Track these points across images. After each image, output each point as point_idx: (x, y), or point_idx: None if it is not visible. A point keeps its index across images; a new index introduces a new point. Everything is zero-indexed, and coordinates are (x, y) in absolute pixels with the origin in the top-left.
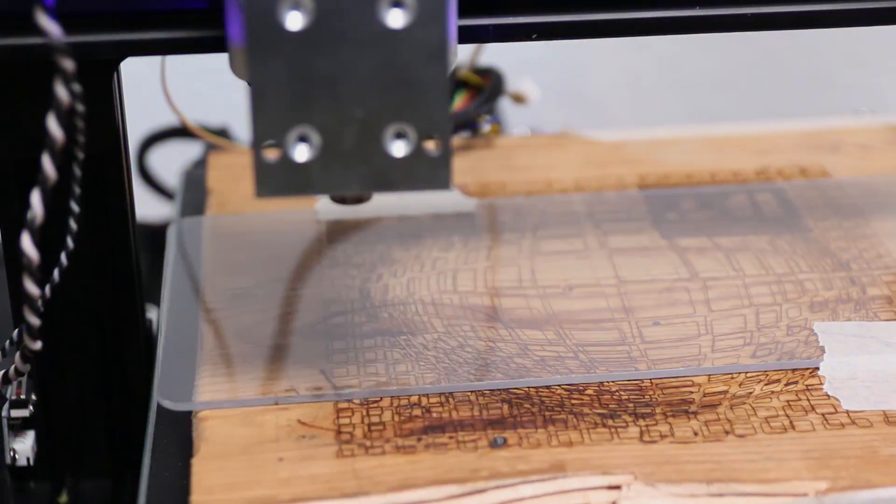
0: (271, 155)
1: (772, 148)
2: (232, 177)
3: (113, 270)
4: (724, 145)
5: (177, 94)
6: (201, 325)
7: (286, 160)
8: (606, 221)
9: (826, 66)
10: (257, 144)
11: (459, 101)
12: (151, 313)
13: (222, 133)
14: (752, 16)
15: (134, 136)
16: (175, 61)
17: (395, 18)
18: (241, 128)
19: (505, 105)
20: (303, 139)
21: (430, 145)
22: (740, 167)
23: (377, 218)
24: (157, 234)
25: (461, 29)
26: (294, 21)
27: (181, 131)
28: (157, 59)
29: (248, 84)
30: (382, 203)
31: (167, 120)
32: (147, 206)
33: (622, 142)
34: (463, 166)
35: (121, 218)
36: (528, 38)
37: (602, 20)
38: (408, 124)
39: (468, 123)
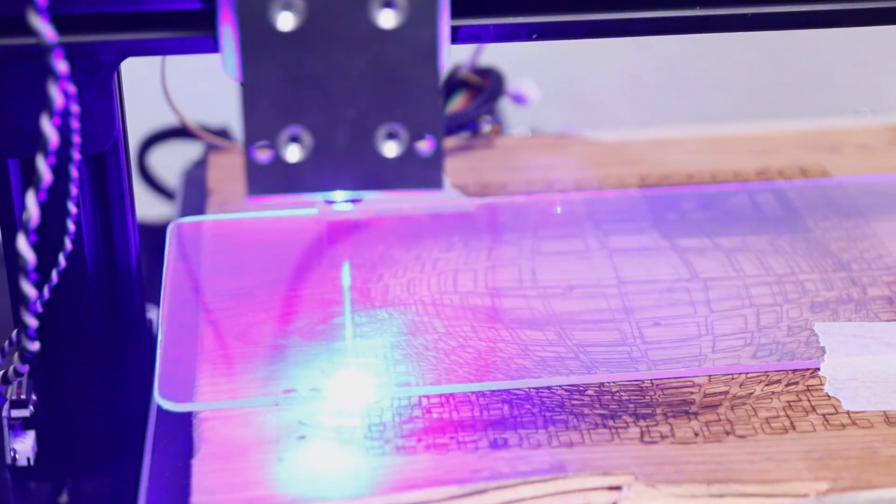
0: (263, 155)
1: (772, 148)
2: (232, 177)
3: (113, 270)
4: (724, 145)
5: (177, 94)
6: (201, 325)
7: (278, 160)
8: (607, 222)
9: (826, 66)
10: (249, 145)
11: (459, 101)
12: (151, 313)
13: (222, 133)
14: (752, 16)
15: (134, 136)
16: (175, 61)
17: (387, 19)
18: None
19: (505, 105)
20: (294, 139)
21: (422, 146)
22: (741, 167)
23: (377, 218)
24: (157, 234)
25: (461, 29)
26: (286, 21)
27: (181, 131)
28: (157, 59)
29: (240, 84)
30: (383, 203)
31: (167, 120)
32: (147, 206)
33: (622, 142)
34: (463, 166)
35: (121, 218)
36: (528, 38)
37: (602, 20)
38: (399, 125)
39: (468, 123)
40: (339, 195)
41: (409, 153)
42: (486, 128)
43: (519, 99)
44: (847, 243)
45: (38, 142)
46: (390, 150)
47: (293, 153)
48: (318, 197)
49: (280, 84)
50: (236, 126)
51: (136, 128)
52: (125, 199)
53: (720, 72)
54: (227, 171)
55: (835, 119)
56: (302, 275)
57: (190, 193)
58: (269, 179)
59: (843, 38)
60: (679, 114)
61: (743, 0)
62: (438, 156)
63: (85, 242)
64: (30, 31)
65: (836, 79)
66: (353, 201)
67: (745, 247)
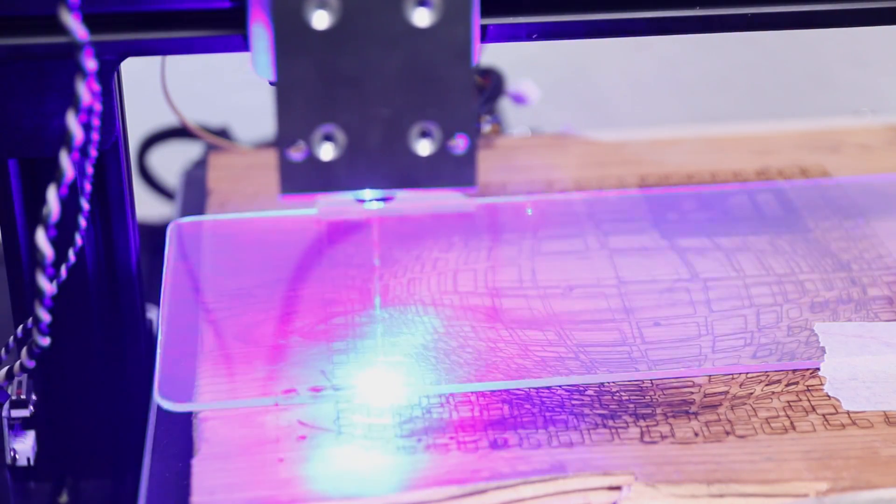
0: (296, 154)
1: (772, 148)
2: (232, 177)
3: (113, 270)
4: (724, 145)
5: (177, 94)
6: (201, 325)
7: (311, 159)
8: (607, 222)
9: (826, 66)
10: (283, 143)
11: None
12: (151, 313)
13: (222, 133)
14: (752, 16)
15: (134, 136)
16: (175, 61)
17: (421, 17)
18: (241, 128)
19: (505, 105)
20: (328, 138)
21: (456, 144)
22: (741, 167)
23: (377, 218)
24: (157, 234)
25: None
26: (320, 20)
27: (181, 131)
28: (157, 59)
29: (273, 84)
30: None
31: (167, 120)
32: (147, 206)
33: (622, 142)
34: None
35: (121, 218)
36: (528, 38)
37: (602, 20)
38: (433, 123)
39: None
40: (371, 193)
41: (442, 151)
42: (486, 128)
43: (519, 99)
44: (847, 243)
45: (39, 142)
46: (424, 148)
47: (327, 152)
48: (350, 195)
49: (314, 83)
50: (236, 126)
51: (136, 128)
52: (125, 199)
53: (720, 72)
54: (227, 171)
55: (835, 119)
56: (302, 275)
57: (190, 193)
58: (302, 178)
59: (843, 38)
60: (679, 114)
61: (743, 0)
62: (472, 154)
63: (85, 242)
64: (31, 30)
65: (836, 79)
66: (384, 200)
67: (745, 247)
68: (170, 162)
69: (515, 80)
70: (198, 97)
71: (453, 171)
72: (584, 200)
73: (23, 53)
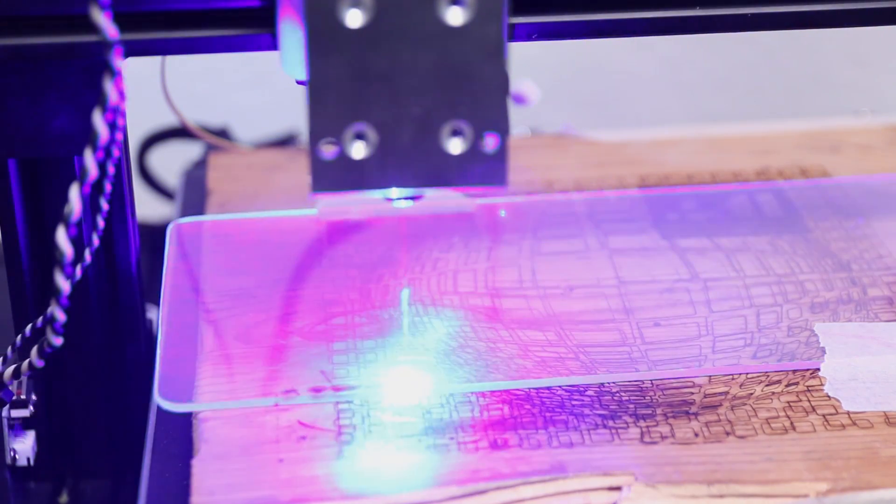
0: (328, 152)
1: (772, 148)
2: (232, 177)
3: (113, 270)
4: (724, 145)
5: (177, 94)
6: (201, 325)
7: (343, 157)
8: (607, 222)
9: (826, 66)
10: (314, 142)
11: None
12: (151, 313)
13: (222, 133)
14: (752, 16)
15: (134, 136)
16: (175, 61)
17: (455, 16)
18: (241, 128)
19: None
20: (360, 136)
21: (487, 143)
22: (741, 167)
23: (377, 218)
24: (157, 234)
25: None
26: (354, 18)
27: (181, 131)
28: (157, 59)
29: (302, 83)
30: (382, 203)
31: (167, 120)
32: (147, 206)
33: (622, 142)
34: None
35: (121, 218)
36: (528, 38)
37: (602, 20)
38: (465, 122)
39: None
40: (401, 192)
41: (473, 150)
42: None
43: (519, 99)
44: (847, 243)
45: (39, 142)
46: (455, 147)
47: (358, 150)
48: (381, 194)
49: (346, 81)
50: (236, 126)
51: (136, 128)
52: (125, 199)
53: (720, 72)
54: (227, 171)
55: (835, 119)
56: (302, 275)
57: (190, 193)
58: (333, 176)
59: (843, 38)
60: (679, 114)
61: (743, 0)
62: (503, 153)
63: (85, 242)
64: (31, 30)
65: (836, 79)
66: (413, 199)
67: (745, 247)
68: (170, 162)
69: (515, 80)
70: (198, 97)
71: (484, 169)
72: (584, 200)
73: (23, 53)
